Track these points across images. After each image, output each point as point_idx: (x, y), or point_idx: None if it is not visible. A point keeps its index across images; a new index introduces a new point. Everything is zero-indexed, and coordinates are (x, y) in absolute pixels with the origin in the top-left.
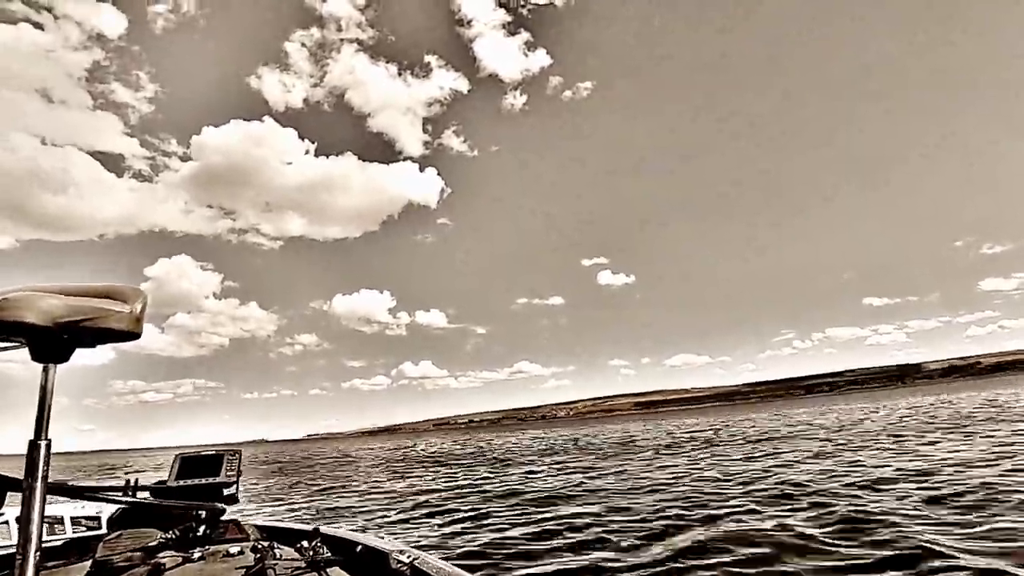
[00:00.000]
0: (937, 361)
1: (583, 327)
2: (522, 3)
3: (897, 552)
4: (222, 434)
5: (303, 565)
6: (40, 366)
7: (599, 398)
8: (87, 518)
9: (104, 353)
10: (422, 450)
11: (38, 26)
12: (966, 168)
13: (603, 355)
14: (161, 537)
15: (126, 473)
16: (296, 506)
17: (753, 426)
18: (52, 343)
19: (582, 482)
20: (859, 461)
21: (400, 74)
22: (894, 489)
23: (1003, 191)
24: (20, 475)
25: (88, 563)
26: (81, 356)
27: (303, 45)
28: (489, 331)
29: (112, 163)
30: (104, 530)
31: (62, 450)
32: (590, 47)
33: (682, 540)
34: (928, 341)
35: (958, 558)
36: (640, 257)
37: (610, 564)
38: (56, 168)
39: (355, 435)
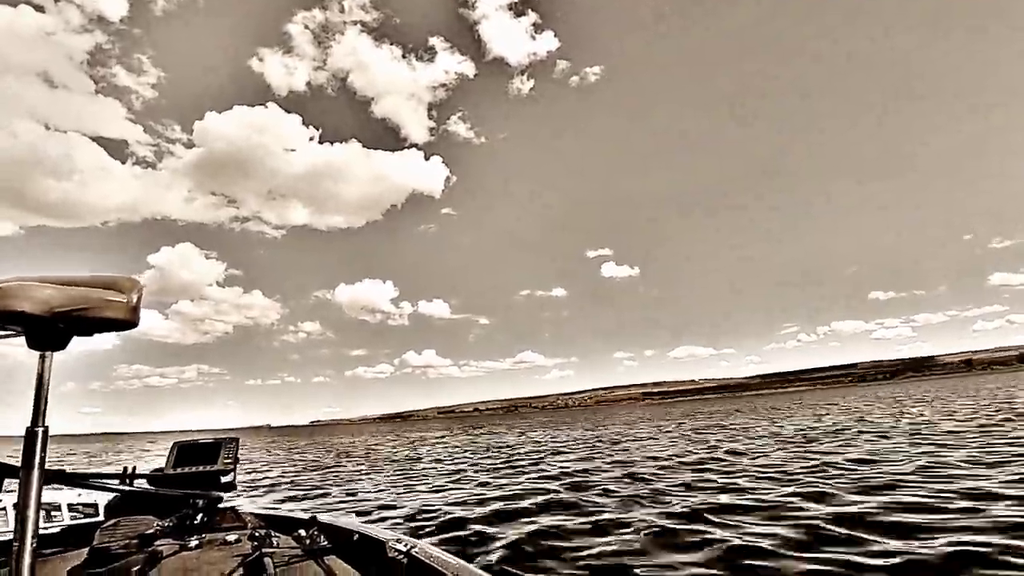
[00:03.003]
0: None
1: (586, 318)
2: None
3: None
4: (226, 419)
5: (300, 553)
6: (37, 354)
7: (605, 388)
8: (84, 505)
9: (108, 338)
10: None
11: (39, 8)
12: (975, 161)
13: (606, 347)
14: (158, 525)
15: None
16: (308, 496)
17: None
18: (49, 331)
19: None
20: None
21: (404, 56)
22: None
23: (1013, 184)
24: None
25: (85, 551)
26: (79, 344)
27: (306, 27)
28: (492, 322)
29: (115, 149)
30: (101, 517)
31: (67, 432)
32: (599, 29)
33: None
34: (935, 335)
35: None
36: (644, 249)
37: None
38: (59, 154)
39: (362, 422)
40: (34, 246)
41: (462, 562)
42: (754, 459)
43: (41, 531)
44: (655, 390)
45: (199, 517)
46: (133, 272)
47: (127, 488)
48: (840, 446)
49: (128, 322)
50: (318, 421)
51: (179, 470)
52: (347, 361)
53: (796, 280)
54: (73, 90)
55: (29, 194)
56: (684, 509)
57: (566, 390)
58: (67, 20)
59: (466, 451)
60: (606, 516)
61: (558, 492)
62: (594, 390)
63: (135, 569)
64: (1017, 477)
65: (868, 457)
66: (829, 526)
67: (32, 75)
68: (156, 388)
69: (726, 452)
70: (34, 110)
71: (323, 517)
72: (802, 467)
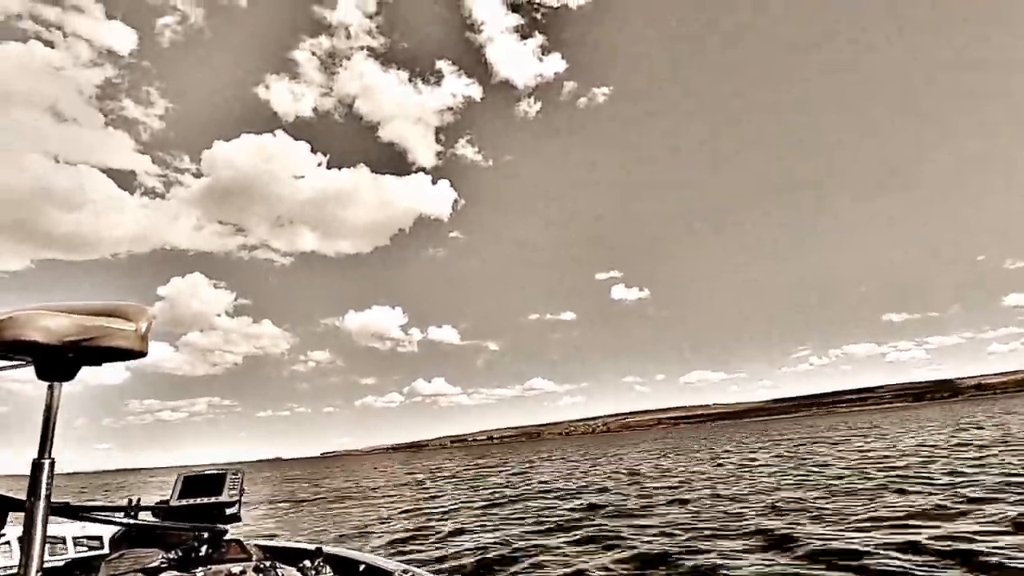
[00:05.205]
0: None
1: (596, 343)
2: (535, 5)
3: None
4: (237, 452)
5: None
6: (45, 385)
7: (620, 414)
8: (89, 538)
9: (119, 372)
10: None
11: (49, 44)
12: (990, 179)
13: (616, 371)
14: (163, 557)
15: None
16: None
17: None
18: (57, 361)
19: None
20: None
21: (411, 80)
22: None
23: None
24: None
25: None
26: (90, 375)
27: (313, 53)
28: (501, 347)
29: (124, 180)
30: (106, 550)
31: (80, 470)
32: (606, 51)
33: None
34: (949, 358)
35: None
36: (655, 271)
37: None
38: (69, 187)
39: (373, 452)
40: (46, 280)
41: None
42: None
43: (46, 564)
44: (671, 416)
45: (204, 549)
46: (144, 304)
47: (132, 521)
48: None
49: (137, 351)
50: (329, 452)
51: (184, 502)
52: (357, 390)
53: (806, 302)
54: (82, 124)
55: (40, 228)
56: None
57: (578, 416)
58: (76, 55)
59: None
60: None
61: None
62: (609, 416)
63: None
64: None
65: None
66: None
67: (41, 110)
68: (167, 422)
69: None
70: (44, 144)
71: (329, 548)
72: None
